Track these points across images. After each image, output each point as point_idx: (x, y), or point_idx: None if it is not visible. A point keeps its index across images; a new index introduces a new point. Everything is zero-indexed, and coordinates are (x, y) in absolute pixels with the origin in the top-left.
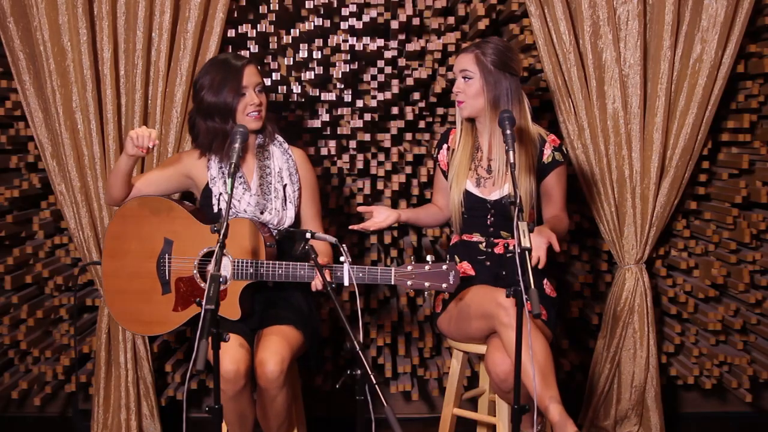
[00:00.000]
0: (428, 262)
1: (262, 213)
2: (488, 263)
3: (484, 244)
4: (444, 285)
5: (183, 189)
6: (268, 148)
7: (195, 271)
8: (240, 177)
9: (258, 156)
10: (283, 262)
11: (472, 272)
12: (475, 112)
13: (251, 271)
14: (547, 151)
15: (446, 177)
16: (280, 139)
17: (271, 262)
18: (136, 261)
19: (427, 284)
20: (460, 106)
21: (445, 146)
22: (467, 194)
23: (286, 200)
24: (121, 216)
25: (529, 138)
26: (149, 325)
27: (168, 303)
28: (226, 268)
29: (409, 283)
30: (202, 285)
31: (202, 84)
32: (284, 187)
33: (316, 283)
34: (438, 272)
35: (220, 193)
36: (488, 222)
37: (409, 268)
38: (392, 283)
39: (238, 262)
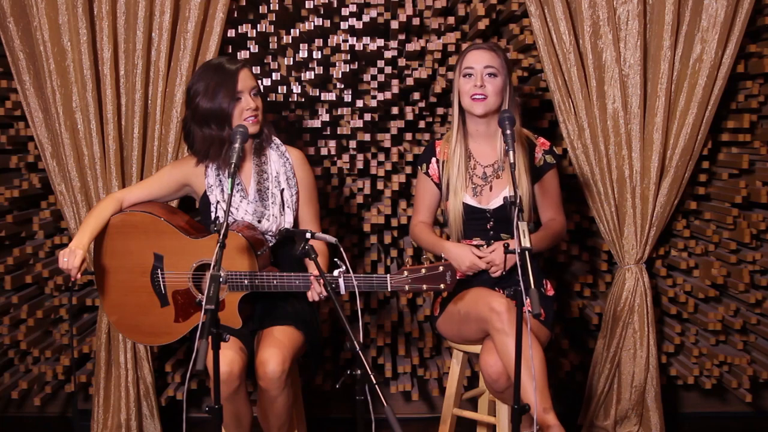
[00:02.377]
0: (423, 264)
1: (259, 221)
2: None
3: (485, 246)
4: (442, 285)
5: (181, 196)
6: (265, 153)
7: (190, 284)
8: (238, 184)
9: (255, 161)
10: (278, 273)
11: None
12: (491, 110)
13: (246, 282)
14: (538, 155)
15: (439, 188)
16: (278, 141)
17: (265, 274)
18: (129, 276)
19: (424, 287)
20: (481, 102)
21: (433, 159)
22: (465, 206)
23: (283, 205)
24: (106, 233)
25: (523, 139)
26: (153, 336)
27: (168, 315)
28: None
29: (406, 288)
30: (200, 296)
31: (196, 90)
32: (282, 192)
33: (313, 294)
34: (434, 274)
35: (218, 201)
36: (488, 227)
37: (405, 273)
38: (389, 290)
39: (231, 275)
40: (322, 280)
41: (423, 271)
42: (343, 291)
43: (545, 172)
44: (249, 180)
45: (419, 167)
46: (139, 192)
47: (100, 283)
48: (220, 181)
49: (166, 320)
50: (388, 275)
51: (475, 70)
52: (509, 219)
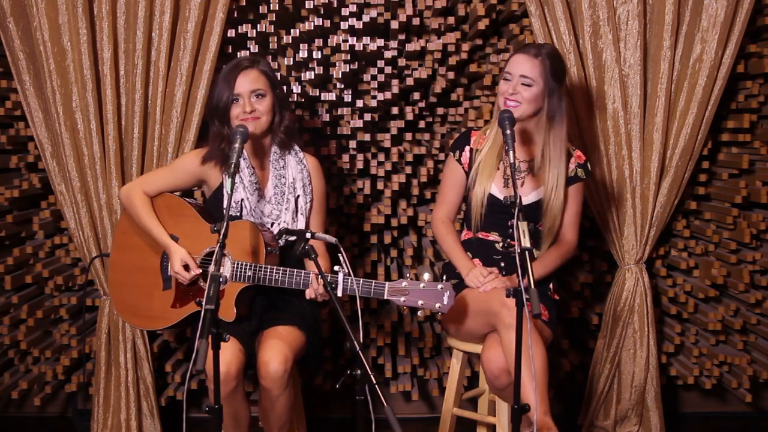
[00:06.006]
0: (424, 280)
1: (272, 226)
2: (503, 264)
3: (500, 244)
4: (437, 305)
5: (191, 188)
6: (284, 157)
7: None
8: (256, 183)
9: (274, 165)
10: (281, 268)
11: None
12: (523, 116)
13: (249, 273)
14: (572, 165)
15: (467, 177)
16: (296, 147)
17: (269, 266)
18: (142, 255)
19: (420, 302)
20: (513, 107)
21: (467, 147)
22: (491, 197)
23: (297, 212)
24: (126, 213)
25: (564, 151)
26: (147, 319)
27: (167, 299)
28: (226, 269)
29: (402, 299)
30: (201, 284)
31: (213, 88)
32: (296, 198)
33: (309, 292)
34: (432, 291)
35: (242, 199)
36: (509, 224)
37: (404, 284)
38: (385, 297)
39: (237, 264)
40: (321, 280)
41: (422, 285)
42: (340, 293)
43: (572, 184)
44: (266, 182)
45: (451, 153)
46: (161, 184)
47: (113, 258)
48: (241, 178)
49: (164, 305)
50: (387, 283)
51: (512, 76)
52: (533, 219)
